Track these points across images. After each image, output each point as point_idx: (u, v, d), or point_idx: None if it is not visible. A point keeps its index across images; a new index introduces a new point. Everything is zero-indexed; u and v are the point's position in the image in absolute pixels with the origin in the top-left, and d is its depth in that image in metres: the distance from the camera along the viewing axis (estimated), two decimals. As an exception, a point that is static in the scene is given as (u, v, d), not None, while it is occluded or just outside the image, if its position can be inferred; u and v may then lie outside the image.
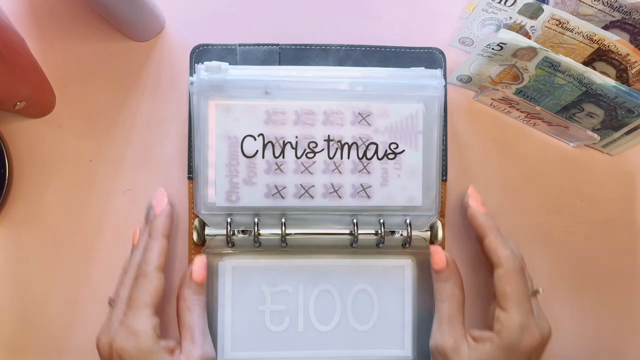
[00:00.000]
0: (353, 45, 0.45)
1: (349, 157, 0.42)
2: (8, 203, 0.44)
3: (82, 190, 0.44)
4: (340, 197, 0.42)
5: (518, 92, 0.45)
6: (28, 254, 0.44)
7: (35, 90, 0.42)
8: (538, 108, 0.44)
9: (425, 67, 0.45)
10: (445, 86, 0.44)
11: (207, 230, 0.42)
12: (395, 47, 0.45)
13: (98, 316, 0.43)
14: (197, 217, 0.42)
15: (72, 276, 0.44)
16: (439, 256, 0.41)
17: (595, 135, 0.44)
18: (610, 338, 0.47)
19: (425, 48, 0.46)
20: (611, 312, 0.47)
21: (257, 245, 0.42)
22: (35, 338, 0.43)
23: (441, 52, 0.46)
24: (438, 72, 0.43)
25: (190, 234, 0.43)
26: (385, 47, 0.45)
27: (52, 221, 0.44)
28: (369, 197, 0.43)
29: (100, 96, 0.45)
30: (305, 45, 0.45)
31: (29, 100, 0.41)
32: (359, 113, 0.42)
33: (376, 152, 0.42)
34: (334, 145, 0.42)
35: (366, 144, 0.42)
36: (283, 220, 0.42)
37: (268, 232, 0.42)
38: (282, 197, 0.42)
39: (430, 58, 0.46)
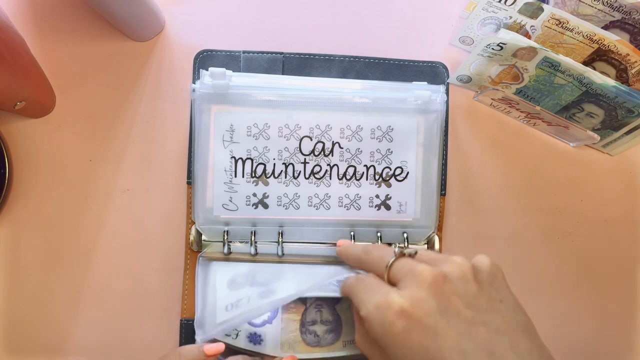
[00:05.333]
0: (357, 57, 0.45)
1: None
2: (8, 203, 0.44)
3: (82, 190, 0.44)
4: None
5: (518, 92, 0.45)
6: (28, 254, 0.44)
7: (35, 90, 0.42)
8: (538, 108, 0.44)
9: (428, 82, 0.44)
10: (447, 102, 0.44)
11: (205, 236, 0.42)
12: (399, 60, 0.45)
13: (98, 316, 0.43)
14: (195, 223, 0.42)
15: (72, 276, 0.44)
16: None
17: (595, 135, 0.44)
18: (610, 337, 0.47)
19: (428, 62, 0.45)
20: (611, 312, 0.47)
21: (254, 254, 0.42)
22: (35, 338, 0.43)
23: (444, 67, 0.45)
24: (441, 87, 0.42)
25: (187, 240, 0.43)
26: (389, 60, 0.45)
27: (52, 221, 0.44)
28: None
29: (100, 96, 0.45)
30: (310, 54, 0.45)
31: (29, 100, 0.41)
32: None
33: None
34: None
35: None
36: (280, 230, 0.42)
37: (264, 242, 0.42)
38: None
39: (433, 72, 0.45)
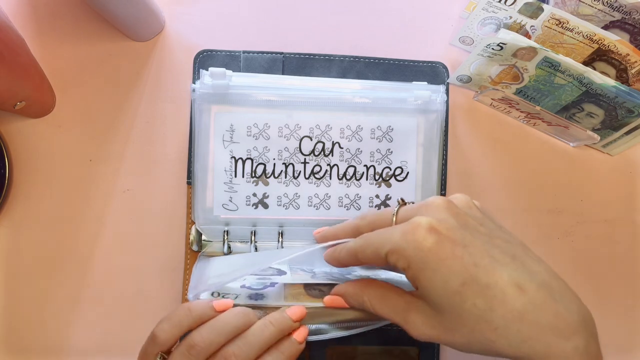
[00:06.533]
0: (357, 57, 0.45)
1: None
2: (8, 203, 0.44)
3: (82, 190, 0.44)
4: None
5: (518, 92, 0.45)
6: (28, 254, 0.44)
7: (35, 90, 0.42)
8: (538, 108, 0.44)
9: (428, 82, 0.44)
10: (447, 102, 0.44)
11: (205, 236, 0.42)
12: (399, 60, 0.45)
13: (98, 316, 0.43)
14: (195, 223, 0.42)
15: (72, 276, 0.44)
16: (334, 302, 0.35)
17: (595, 135, 0.44)
18: (610, 337, 0.47)
19: (428, 62, 0.45)
20: (611, 312, 0.47)
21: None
22: (35, 338, 0.43)
23: (444, 67, 0.45)
24: (441, 87, 0.42)
25: (187, 239, 0.43)
26: (389, 60, 0.45)
27: (52, 221, 0.44)
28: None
29: (100, 96, 0.45)
30: (309, 54, 0.45)
31: (29, 100, 0.41)
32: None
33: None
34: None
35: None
36: (280, 230, 0.42)
37: (264, 242, 0.42)
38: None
39: (433, 72, 0.45)
